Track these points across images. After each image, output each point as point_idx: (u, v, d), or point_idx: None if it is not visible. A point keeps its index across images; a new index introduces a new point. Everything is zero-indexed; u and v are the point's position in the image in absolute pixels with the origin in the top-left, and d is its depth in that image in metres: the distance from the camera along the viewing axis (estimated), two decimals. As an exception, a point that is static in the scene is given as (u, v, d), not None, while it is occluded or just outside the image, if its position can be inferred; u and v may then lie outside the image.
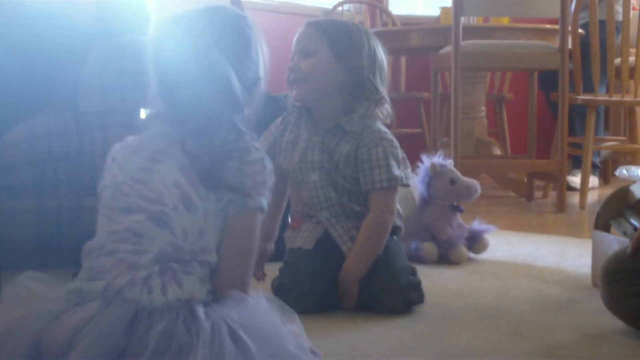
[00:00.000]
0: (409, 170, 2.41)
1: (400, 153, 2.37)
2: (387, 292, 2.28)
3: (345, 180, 2.36)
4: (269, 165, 1.71)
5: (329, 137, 2.37)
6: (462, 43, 4.43)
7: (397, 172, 2.34)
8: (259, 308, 1.64)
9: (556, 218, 4.41)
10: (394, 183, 2.34)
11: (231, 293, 1.64)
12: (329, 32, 2.35)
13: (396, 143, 2.38)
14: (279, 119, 2.48)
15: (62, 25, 2.81)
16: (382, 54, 2.40)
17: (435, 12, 6.25)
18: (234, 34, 1.74)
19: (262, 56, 1.78)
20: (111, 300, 1.55)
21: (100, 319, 1.52)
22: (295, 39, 2.39)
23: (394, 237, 2.42)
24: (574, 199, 4.86)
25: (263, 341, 1.58)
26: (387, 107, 2.39)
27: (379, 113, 2.38)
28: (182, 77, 1.67)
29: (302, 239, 2.38)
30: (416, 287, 2.33)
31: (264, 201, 1.70)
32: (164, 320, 1.53)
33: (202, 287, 1.63)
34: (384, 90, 2.38)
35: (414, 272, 2.36)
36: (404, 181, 2.36)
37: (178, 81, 1.68)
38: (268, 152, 2.41)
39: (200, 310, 1.57)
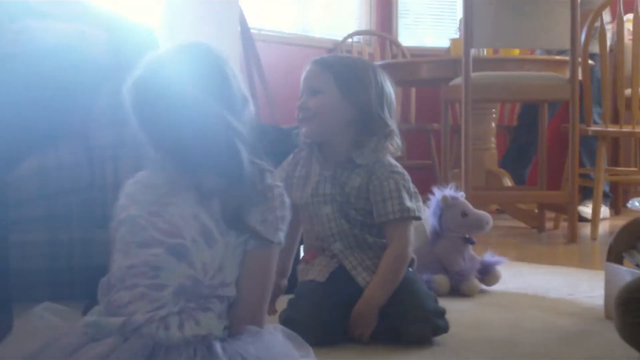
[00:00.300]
0: (421, 203, 2.41)
1: (411, 186, 2.38)
2: (414, 319, 2.27)
3: (357, 212, 2.37)
4: (287, 200, 1.73)
5: (340, 170, 2.38)
6: (472, 75, 4.44)
7: (409, 203, 2.34)
8: (275, 342, 1.64)
9: (567, 249, 4.39)
10: (406, 214, 2.34)
11: (247, 327, 1.64)
12: (335, 70, 2.36)
13: (407, 176, 2.39)
14: (291, 156, 2.49)
15: (73, 58, 2.81)
16: (389, 88, 2.41)
17: (445, 44, 6.28)
18: (213, 70, 1.72)
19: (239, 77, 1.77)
20: (128, 336, 1.55)
21: (118, 355, 1.51)
22: (302, 77, 2.41)
23: (410, 268, 2.42)
24: (586, 230, 4.85)
25: None
26: (397, 140, 2.39)
27: (390, 146, 2.39)
28: (182, 135, 1.66)
29: (314, 272, 2.38)
30: (442, 314, 2.33)
31: (282, 235, 1.70)
32: (181, 356, 1.53)
33: (219, 324, 1.62)
34: (393, 124, 2.38)
35: (436, 300, 2.36)
36: (416, 213, 2.36)
37: (178, 139, 1.66)
38: None
39: (218, 346, 1.57)
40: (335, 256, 2.39)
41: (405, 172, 2.40)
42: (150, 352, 1.53)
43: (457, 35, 5.96)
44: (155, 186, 1.68)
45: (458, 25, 6.08)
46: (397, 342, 2.27)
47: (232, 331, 1.65)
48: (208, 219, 1.63)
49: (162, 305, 1.57)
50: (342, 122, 2.36)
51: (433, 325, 2.29)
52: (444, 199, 3.08)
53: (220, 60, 1.74)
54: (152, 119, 1.68)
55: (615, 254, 2.61)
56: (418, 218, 2.40)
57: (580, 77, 4.61)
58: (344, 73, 2.36)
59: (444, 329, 2.32)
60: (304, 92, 2.39)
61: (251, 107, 1.77)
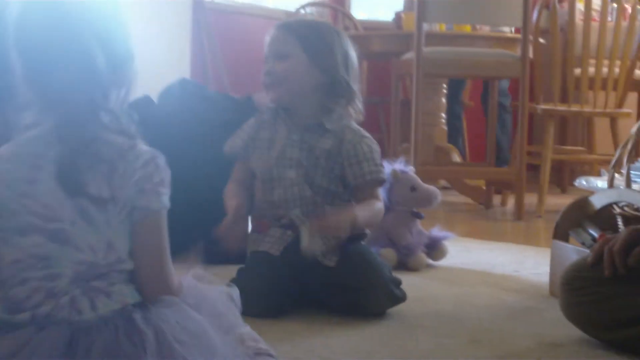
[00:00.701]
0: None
1: (379, 150, 2.44)
2: (372, 288, 2.29)
3: (323, 178, 2.38)
4: (161, 161, 1.60)
5: (309, 134, 2.39)
6: (424, 50, 4.44)
7: (382, 168, 2.40)
8: (191, 312, 1.59)
9: (514, 226, 4.43)
10: (381, 176, 2.39)
11: (162, 297, 1.57)
12: (301, 34, 2.37)
13: (374, 140, 2.44)
14: (252, 119, 2.48)
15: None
16: (353, 52, 2.43)
17: (395, 17, 6.27)
18: (101, 11, 1.59)
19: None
20: (43, 325, 1.47)
21: (36, 345, 1.44)
22: (267, 42, 2.40)
23: (361, 242, 2.43)
24: (532, 206, 4.88)
25: (200, 345, 1.54)
26: (359, 104, 2.42)
27: (351, 110, 2.40)
28: (49, 56, 1.52)
29: (268, 244, 2.37)
30: (398, 283, 2.34)
31: (166, 199, 1.60)
32: (103, 335, 1.46)
33: (128, 289, 1.55)
34: (356, 87, 2.41)
35: (391, 270, 2.38)
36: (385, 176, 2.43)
37: (44, 61, 1.53)
38: (241, 151, 2.45)
39: (138, 317, 1.51)
40: (292, 223, 2.38)
41: (371, 137, 2.44)
42: (69, 338, 1.46)
43: (402, 8, 5.99)
44: (19, 160, 1.54)
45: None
46: (351, 315, 2.28)
47: (145, 300, 1.57)
48: (82, 197, 1.51)
49: (63, 293, 1.49)
50: (310, 86, 2.37)
51: (391, 295, 2.31)
52: (394, 173, 3.08)
53: (116, 11, 1.62)
54: (27, 39, 1.53)
55: (561, 232, 2.63)
56: (384, 181, 2.46)
57: (531, 55, 4.64)
58: (310, 37, 2.37)
59: (402, 298, 2.34)
60: (270, 57, 2.39)
61: (135, 65, 1.62)
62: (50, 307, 1.49)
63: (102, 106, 1.55)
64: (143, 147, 1.59)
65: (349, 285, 2.30)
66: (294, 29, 2.39)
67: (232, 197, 2.40)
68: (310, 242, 2.27)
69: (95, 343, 1.45)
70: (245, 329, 1.69)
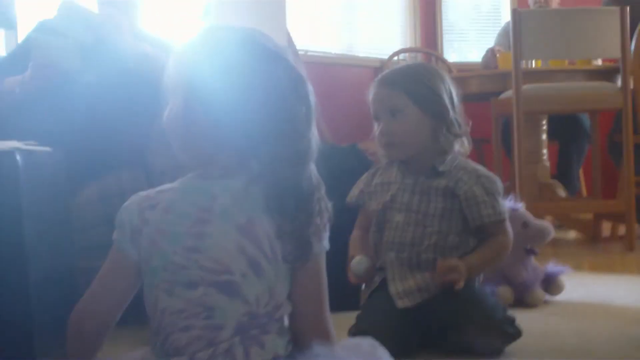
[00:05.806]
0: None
1: (499, 186, 2.40)
2: (484, 330, 2.26)
3: (435, 218, 2.36)
4: (329, 205, 1.63)
5: (423, 178, 2.39)
6: (523, 87, 4.42)
7: (501, 208, 2.37)
8: (351, 354, 1.60)
9: (626, 258, 4.34)
10: (499, 217, 2.37)
11: (315, 343, 1.58)
12: (406, 85, 2.36)
13: (493, 177, 2.41)
14: (371, 169, 2.51)
15: (134, 82, 2.82)
16: (454, 87, 2.43)
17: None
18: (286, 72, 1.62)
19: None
20: None
21: None
22: (372, 99, 2.41)
23: (473, 282, 2.41)
24: (640, 237, 4.79)
25: None
26: (466, 140, 2.42)
27: (459, 147, 2.41)
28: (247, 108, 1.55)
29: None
30: (512, 322, 2.31)
31: (326, 242, 1.62)
32: None
33: (282, 341, 1.57)
34: (464, 124, 2.41)
35: (505, 309, 2.35)
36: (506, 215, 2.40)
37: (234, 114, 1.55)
38: (358, 199, 2.48)
39: None
40: (384, 265, 2.40)
41: (490, 174, 2.42)
42: None
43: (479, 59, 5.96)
44: (181, 212, 1.56)
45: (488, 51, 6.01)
46: (470, 354, 2.26)
47: (299, 347, 1.59)
48: (254, 249, 1.54)
49: (222, 341, 1.52)
50: (426, 135, 2.38)
51: (504, 334, 2.28)
52: (505, 210, 3.05)
53: (297, 69, 1.64)
54: (217, 90, 1.57)
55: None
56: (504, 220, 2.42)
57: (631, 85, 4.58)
58: (415, 86, 2.36)
59: (515, 335, 2.30)
60: (381, 115, 2.39)
61: (315, 129, 1.67)
62: (208, 355, 1.51)
63: (306, 158, 1.59)
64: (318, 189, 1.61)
65: (462, 328, 2.28)
66: (397, 81, 2.38)
67: (356, 248, 2.45)
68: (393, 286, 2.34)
69: None
70: None
